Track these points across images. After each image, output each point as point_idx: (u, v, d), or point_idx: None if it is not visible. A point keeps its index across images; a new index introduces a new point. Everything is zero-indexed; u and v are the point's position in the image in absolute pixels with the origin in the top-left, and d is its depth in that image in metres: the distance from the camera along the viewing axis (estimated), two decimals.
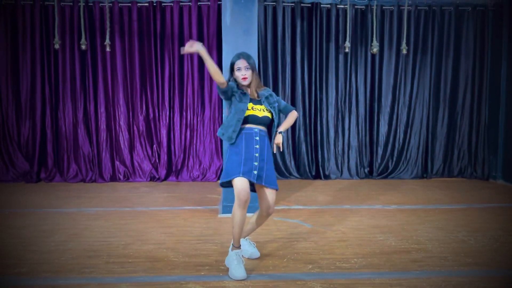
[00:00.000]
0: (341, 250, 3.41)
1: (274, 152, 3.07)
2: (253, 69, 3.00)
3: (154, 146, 6.66)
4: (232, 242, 2.96)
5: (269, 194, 3.00)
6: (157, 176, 6.57)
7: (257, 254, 3.23)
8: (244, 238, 3.22)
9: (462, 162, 6.98)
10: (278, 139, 3.02)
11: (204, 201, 5.17)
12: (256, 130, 2.97)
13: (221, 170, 6.52)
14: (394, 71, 6.82)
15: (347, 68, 6.75)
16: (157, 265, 3.08)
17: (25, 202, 5.10)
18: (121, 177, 6.56)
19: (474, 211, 4.77)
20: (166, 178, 6.60)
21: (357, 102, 6.82)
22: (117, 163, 6.59)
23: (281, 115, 3.15)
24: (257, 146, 2.94)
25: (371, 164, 6.93)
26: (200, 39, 6.54)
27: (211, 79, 6.59)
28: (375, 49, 6.38)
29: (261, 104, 3.02)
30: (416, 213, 4.63)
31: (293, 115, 3.12)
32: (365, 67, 6.80)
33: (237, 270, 2.82)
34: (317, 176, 6.77)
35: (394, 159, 6.91)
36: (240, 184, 2.81)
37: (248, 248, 3.23)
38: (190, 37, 6.53)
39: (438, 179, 6.88)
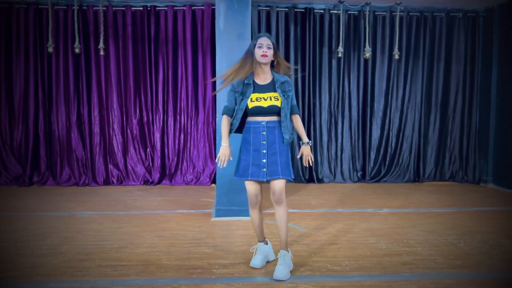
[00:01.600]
0: (332, 253, 3.44)
1: (305, 165, 3.04)
2: (274, 50, 2.90)
3: (148, 149, 6.67)
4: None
5: (277, 182, 2.90)
6: (150, 180, 6.58)
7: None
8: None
9: (453, 166, 7.06)
10: (306, 150, 2.96)
11: (198, 205, 5.19)
12: (263, 123, 2.88)
13: (215, 173, 6.54)
14: (387, 76, 6.89)
15: (340, 73, 6.82)
16: (150, 268, 3.10)
17: (17, 206, 5.09)
18: (115, 180, 6.56)
19: (464, 214, 4.82)
20: (159, 182, 6.60)
21: (350, 106, 6.88)
22: (110, 166, 6.59)
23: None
24: (264, 142, 2.87)
25: (363, 168, 6.98)
26: (194, 43, 6.59)
27: (205, 84, 6.62)
28: (368, 54, 6.45)
29: (271, 91, 2.88)
30: (408, 217, 4.68)
31: (299, 120, 3.06)
32: (357, 72, 6.86)
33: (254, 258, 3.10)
34: (310, 180, 6.81)
35: (387, 163, 6.97)
36: (249, 188, 2.94)
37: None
38: (184, 41, 6.56)
39: (430, 183, 6.94)
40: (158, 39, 6.57)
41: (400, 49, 6.70)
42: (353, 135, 6.91)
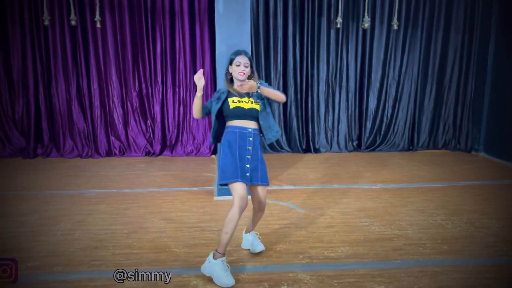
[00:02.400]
0: (329, 238, 3.69)
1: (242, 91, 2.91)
2: (251, 66, 3.08)
3: (148, 121, 6.79)
4: (215, 249, 2.92)
5: (261, 190, 3.10)
6: (152, 151, 6.75)
7: (261, 247, 3.35)
8: (249, 232, 3.44)
9: (447, 135, 7.26)
10: (251, 82, 2.89)
11: (200, 181, 5.40)
12: (250, 129, 2.98)
13: (215, 145, 6.71)
14: (385, 47, 6.90)
15: (339, 43, 6.81)
16: (160, 257, 3.33)
17: (26, 183, 5.28)
18: (117, 152, 6.73)
19: (454, 190, 5.08)
20: (161, 153, 6.78)
21: (348, 77, 6.94)
22: (112, 138, 6.73)
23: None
24: (250, 148, 2.97)
25: (359, 138, 7.17)
26: (191, 13, 6.51)
27: (203, 55, 6.62)
28: (367, 25, 6.43)
29: (249, 97, 3.03)
30: (400, 193, 4.93)
31: (279, 93, 3.02)
32: (356, 43, 6.86)
33: (226, 277, 2.83)
34: (307, 150, 7.01)
35: (382, 133, 7.15)
36: (240, 189, 2.87)
37: (253, 240, 3.39)
38: (181, 12, 6.48)
39: (424, 151, 7.17)
40: (154, 9, 6.48)
41: (399, 19, 6.66)
42: (350, 105, 7.02)
